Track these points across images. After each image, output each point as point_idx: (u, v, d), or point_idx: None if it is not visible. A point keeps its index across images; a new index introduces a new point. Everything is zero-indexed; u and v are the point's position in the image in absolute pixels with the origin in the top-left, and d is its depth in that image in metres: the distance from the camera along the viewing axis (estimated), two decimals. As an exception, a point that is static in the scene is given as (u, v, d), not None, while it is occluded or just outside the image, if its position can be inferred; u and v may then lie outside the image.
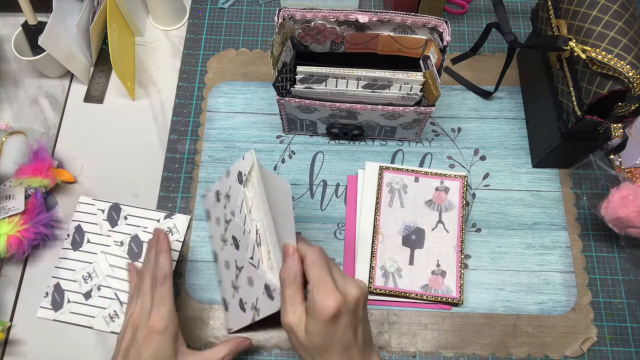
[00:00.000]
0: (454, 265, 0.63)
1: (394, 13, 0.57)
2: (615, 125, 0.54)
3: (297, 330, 0.45)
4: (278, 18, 0.57)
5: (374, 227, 0.64)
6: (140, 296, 0.52)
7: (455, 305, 0.62)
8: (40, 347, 0.61)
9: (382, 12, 0.57)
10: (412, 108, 0.61)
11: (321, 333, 0.44)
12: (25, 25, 0.71)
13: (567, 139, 0.60)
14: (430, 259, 0.63)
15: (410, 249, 0.63)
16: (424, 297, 0.61)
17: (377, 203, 0.65)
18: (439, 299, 0.61)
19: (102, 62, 0.77)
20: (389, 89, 0.60)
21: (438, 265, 0.62)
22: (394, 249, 0.63)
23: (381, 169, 0.67)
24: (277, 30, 0.56)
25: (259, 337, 0.61)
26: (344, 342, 0.45)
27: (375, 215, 0.65)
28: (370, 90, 0.60)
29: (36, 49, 0.70)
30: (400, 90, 0.60)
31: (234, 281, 0.62)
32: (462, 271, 0.62)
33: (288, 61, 0.61)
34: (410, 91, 0.59)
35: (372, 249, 0.63)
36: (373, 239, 0.64)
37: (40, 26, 0.69)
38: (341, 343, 0.45)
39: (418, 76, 0.59)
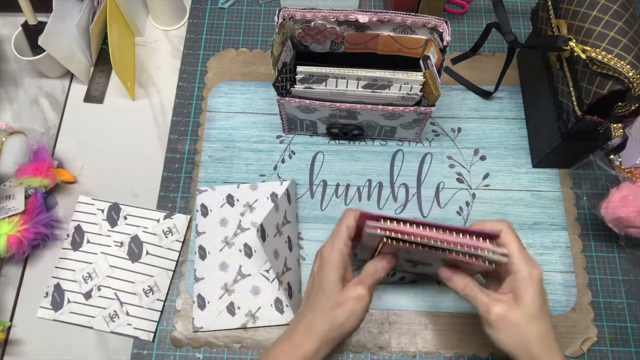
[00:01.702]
0: None
1: (394, 13, 0.57)
2: (615, 125, 0.54)
3: (509, 310, 0.46)
4: (278, 18, 0.57)
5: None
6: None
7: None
8: (40, 347, 0.61)
9: (382, 12, 0.57)
10: (412, 108, 0.61)
11: (538, 297, 0.46)
12: (25, 25, 0.71)
13: (567, 139, 0.60)
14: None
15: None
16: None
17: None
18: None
19: (102, 62, 0.77)
20: (389, 89, 0.60)
21: None
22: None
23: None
24: (277, 30, 0.56)
25: (259, 337, 0.61)
26: (547, 303, 0.47)
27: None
28: (370, 90, 0.60)
29: (36, 49, 0.70)
30: (400, 90, 0.60)
31: (228, 284, 0.62)
32: None
33: (288, 61, 0.61)
34: (410, 91, 0.59)
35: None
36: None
37: (40, 26, 0.69)
38: (547, 304, 0.47)
39: (418, 76, 0.59)
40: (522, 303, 0.46)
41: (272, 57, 0.57)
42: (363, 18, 0.57)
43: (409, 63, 0.62)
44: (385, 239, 0.47)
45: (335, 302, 0.48)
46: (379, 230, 0.46)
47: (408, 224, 0.46)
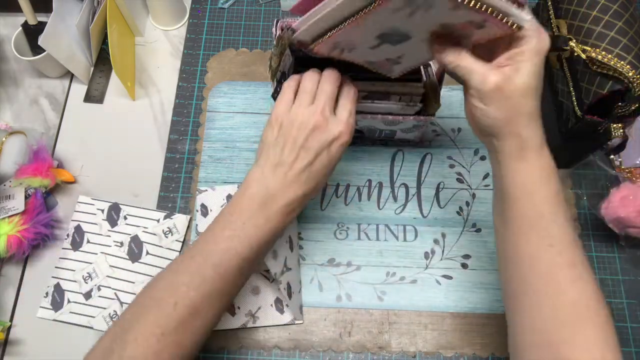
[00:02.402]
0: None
1: None
2: (615, 125, 0.54)
3: (506, 81, 0.42)
4: (276, 30, 0.56)
5: (357, 13, 0.43)
6: (314, 95, 0.49)
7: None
8: (40, 347, 0.61)
9: None
10: (412, 117, 0.60)
11: (536, 70, 0.42)
12: (25, 25, 0.71)
13: (567, 139, 0.60)
14: (396, 52, 0.49)
15: (380, 41, 0.47)
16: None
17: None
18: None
19: (102, 62, 0.77)
20: (389, 100, 0.59)
21: (399, 58, 0.50)
22: (362, 40, 0.47)
23: None
24: (275, 42, 0.54)
25: (259, 337, 0.61)
26: (542, 82, 0.43)
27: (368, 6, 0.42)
28: (370, 101, 0.59)
29: (36, 49, 0.70)
30: (399, 101, 0.59)
31: None
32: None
33: (287, 70, 0.60)
34: (410, 102, 0.59)
35: (338, 24, 0.44)
36: (345, 20, 0.44)
37: (40, 26, 0.69)
38: (542, 83, 0.43)
39: (418, 87, 0.58)
40: (521, 75, 0.42)
41: (270, 69, 0.56)
42: None
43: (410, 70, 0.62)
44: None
45: None
46: None
47: None
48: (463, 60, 0.43)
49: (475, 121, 0.46)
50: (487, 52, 0.44)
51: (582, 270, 0.42)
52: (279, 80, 0.58)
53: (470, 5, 0.38)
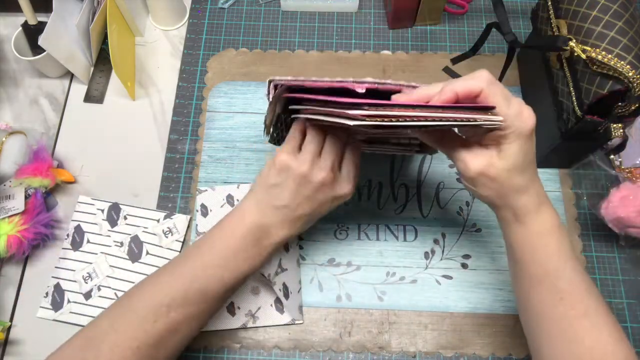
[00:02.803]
0: None
1: (393, 83, 0.47)
2: (615, 125, 0.54)
3: (488, 167, 0.43)
4: (269, 91, 0.50)
5: None
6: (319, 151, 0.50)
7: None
8: (40, 347, 0.61)
9: (381, 83, 0.46)
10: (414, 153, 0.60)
11: (521, 150, 0.43)
12: (25, 25, 0.71)
13: (567, 139, 0.60)
14: None
15: None
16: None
17: None
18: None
19: (102, 62, 0.77)
20: (388, 144, 0.59)
21: None
22: None
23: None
24: (269, 101, 0.51)
25: (259, 337, 0.61)
26: (533, 155, 0.45)
27: None
28: (367, 145, 0.58)
29: (36, 49, 0.70)
30: (398, 145, 0.59)
31: None
32: None
33: (281, 111, 0.55)
34: (408, 146, 0.59)
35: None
36: None
37: (40, 26, 0.69)
38: (533, 156, 0.44)
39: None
40: (504, 156, 0.43)
41: (264, 125, 0.54)
42: (360, 89, 0.46)
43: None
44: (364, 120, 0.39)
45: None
46: (361, 120, 0.38)
47: (383, 108, 0.40)
48: (446, 146, 0.46)
49: (472, 194, 0.48)
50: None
51: (596, 319, 0.44)
52: (275, 124, 0.57)
53: (429, 130, 0.43)
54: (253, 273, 0.51)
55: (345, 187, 0.51)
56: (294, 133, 0.51)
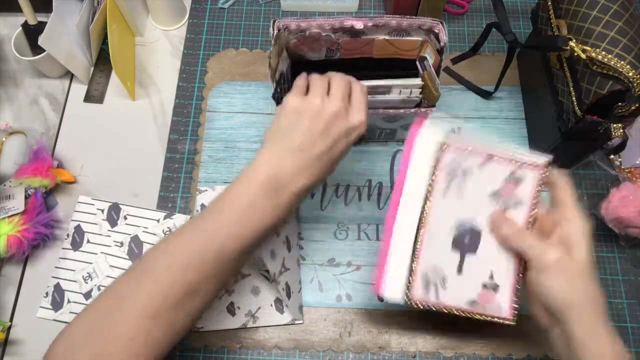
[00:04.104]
0: (509, 278, 0.49)
1: (389, 17, 0.57)
2: (615, 125, 0.54)
3: (563, 260, 0.44)
4: (273, 29, 0.56)
5: (420, 220, 0.50)
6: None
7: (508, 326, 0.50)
8: (40, 347, 0.61)
9: (377, 17, 0.57)
10: (412, 110, 0.61)
11: (590, 254, 0.44)
12: (25, 25, 0.71)
13: (567, 139, 0.60)
14: (483, 269, 0.49)
15: (460, 254, 0.50)
16: (470, 315, 0.50)
17: (428, 189, 0.50)
18: (487, 318, 0.49)
19: (102, 62, 0.77)
20: (389, 94, 0.60)
21: (491, 277, 0.49)
22: (440, 252, 0.50)
23: (441, 144, 0.50)
24: (272, 41, 0.56)
25: (259, 337, 0.61)
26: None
27: (424, 204, 0.50)
28: (369, 96, 0.59)
29: (36, 49, 0.70)
30: (400, 94, 0.60)
31: (228, 284, 0.62)
32: (519, 286, 0.49)
33: (285, 71, 0.61)
34: (410, 94, 0.59)
35: (413, 249, 0.50)
36: (417, 236, 0.50)
37: (40, 26, 0.69)
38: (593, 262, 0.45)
39: (416, 81, 0.59)
40: (577, 255, 0.44)
41: (269, 68, 0.56)
42: (358, 24, 0.56)
43: (406, 64, 0.62)
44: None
45: None
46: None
47: None
48: (520, 234, 0.47)
49: (535, 296, 0.47)
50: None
51: None
52: (278, 81, 0.58)
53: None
54: (274, 229, 0.48)
55: (357, 116, 0.49)
56: (298, 81, 0.50)
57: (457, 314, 0.50)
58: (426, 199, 0.50)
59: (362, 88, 0.51)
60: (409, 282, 0.50)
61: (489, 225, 0.49)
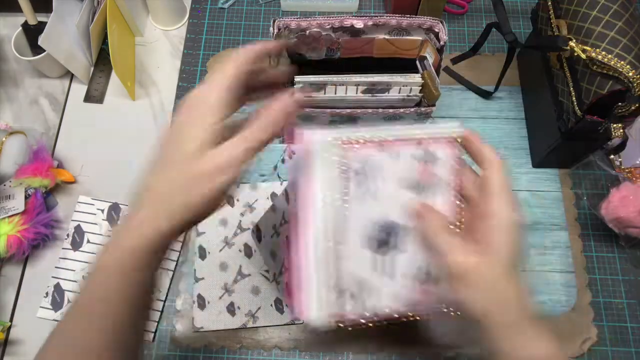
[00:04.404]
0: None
1: (389, 16, 0.57)
2: (615, 125, 0.54)
3: (478, 265, 0.37)
4: (273, 29, 0.56)
5: (335, 230, 0.41)
6: None
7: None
8: (40, 347, 0.61)
9: (377, 16, 0.57)
10: (412, 109, 0.61)
11: (515, 250, 0.37)
12: (25, 25, 0.71)
13: (567, 139, 0.60)
14: (415, 265, 0.43)
15: (388, 256, 0.43)
16: (414, 317, 0.44)
17: (337, 195, 0.41)
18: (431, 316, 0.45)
19: (102, 62, 0.77)
20: (389, 92, 0.60)
21: (427, 273, 0.43)
22: (364, 260, 0.42)
23: (336, 145, 0.41)
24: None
25: (259, 337, 0.61)
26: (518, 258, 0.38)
27: (337, 213, 0.42)
28: (369, 94, 0.60)
29: (36, 49, 0.70)
30: (399, 92, 0.60)
31: (228, 284, 0.62)
32: None
33: (285, 71, 0.61)
34: (410, 93, 0.59)
35: (333, 264, 0.41)
36: (335, 249, 0.42)
37: (40, 26, 0.69)
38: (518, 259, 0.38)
39: (416, 78, 0.59)
40: (496, 256, 0.37)
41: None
42: (358, 23, 0.56)
43: (406, 64, 0.62)
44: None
45: (189, 174, 0.35)
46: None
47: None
48: (437, 230, 0.40)
49: (455, 306, 0.41)
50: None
51: None
52: None
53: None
54: None
55: None
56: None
57: (403, 320, 0.44)
58: (337, 206, 0.42)
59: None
60: (337, 300, 0.42)
61: (410, 219, 0.42)
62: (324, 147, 0.41)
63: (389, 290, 0.43)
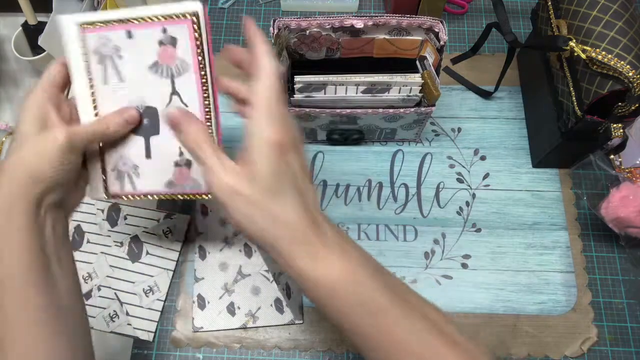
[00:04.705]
0: None
1: (389, 16, 0.57)
2: (615, 125, 0.54)
3: (240, 185, 0.36)
4: (273, 29, 0.56)
5: (94, 114, 0.46)
6: None
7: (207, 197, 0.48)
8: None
9: (377, 16, 0.57)
10: (412, 109, 0.61)
11: (270, 168, 0.36)
12: (25, 25, 0.71)
13: (567, 139, 0.60)
14: (171, 147, 0.47)
15: (143, 137, 0.47)
16: (172, 197, 0.48)
17: (90, 82, 0.45)
18: (188, 197, 0.48)
19: (102, 62, 0.77)
20: (389, 92, 0.60)
21: (181, 154, 0.47)
22: (124, 141, 0.47)
23: (81, 27, 0.44)
24: (272, 41, 0.56)
25: (259, 337, 0.61)
26: (294, 179, 0.37)
27: (92, 98, 0.46)
28: (370, 94, 0.60)
29: (36, 49, 0.70)
30: (399, 92, 0.60)
31: (228, 284, 0.63)
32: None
33: (285, 71, 0.61)
34: (410, 93, 0.59)
35: (98, 146, 0.47)
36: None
37: (40, 26, 0.69)
38: (293, 179, 0.37)
39: (416, 77, 0.59)
40: (260, 176, 0.35)
41: None
42: (358, 23, 0.57)
43: (406, 64, 0.62)
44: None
45: (25, 142, 0.41)
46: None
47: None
48: (201, 144, 0.39)
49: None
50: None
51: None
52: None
53: None
54: None
55: None
56: None
57: (159, 198, 0.48)
58: (91, 91, 0.45)
59: None
60: (104, 179, 0.48)
61: (165, 120, 0.44)
62: (71, 39, 0.44)
63: (150, 170, 0.48)
